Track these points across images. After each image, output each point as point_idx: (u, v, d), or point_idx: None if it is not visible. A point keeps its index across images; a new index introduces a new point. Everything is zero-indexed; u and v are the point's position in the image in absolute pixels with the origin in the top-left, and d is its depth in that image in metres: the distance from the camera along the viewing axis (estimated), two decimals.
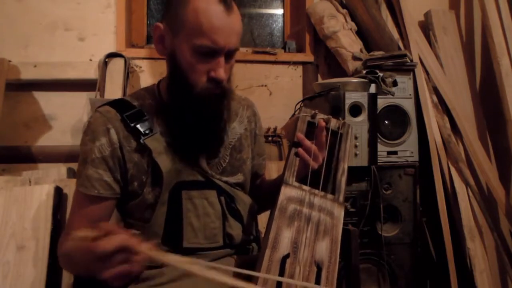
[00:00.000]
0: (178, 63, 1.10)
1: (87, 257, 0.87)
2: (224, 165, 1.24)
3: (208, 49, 1.05)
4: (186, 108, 1.12)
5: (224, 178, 1.23)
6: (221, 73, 1.08)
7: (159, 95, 1.23)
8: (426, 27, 2.65)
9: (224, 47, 1.06)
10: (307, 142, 1.15)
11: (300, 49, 2.72)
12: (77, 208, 1.16)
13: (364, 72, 2.21)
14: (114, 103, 1.20)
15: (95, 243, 0.81)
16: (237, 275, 0.84)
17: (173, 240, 1.15)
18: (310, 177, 1.13)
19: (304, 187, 1.11)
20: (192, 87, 1.10)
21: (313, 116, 1.19)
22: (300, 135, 1.15)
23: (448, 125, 2.43)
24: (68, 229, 1.15)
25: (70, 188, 1.98)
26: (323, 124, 1.15)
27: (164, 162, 1.14)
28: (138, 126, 1.14)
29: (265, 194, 1.33)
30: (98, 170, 1.13)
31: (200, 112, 1.12)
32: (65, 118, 2.37)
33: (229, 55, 1.10)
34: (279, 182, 1.13)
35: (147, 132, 1.15)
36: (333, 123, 1.21)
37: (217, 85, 1.10)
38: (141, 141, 1.13)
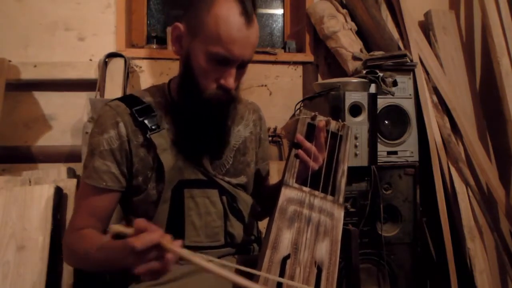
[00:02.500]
0: (191, 66, 1.11)
1: (118, 253, 0.91)
2: (227, 167, 1.25)
3: (222, 58, 1.06)
4: (194, 110, 1.13)
5: (227, 179, 1.24)
6: (231, 82, 1.09)
7: (169, 93, 1.24)
8: (426, 27, 2.65)
9: (238, 58, 1.07)
10: (307, 144, 1.15)
11: (300, 49, 2.72)
12: (83, 200, 1.17)
13: (364, 72, 2.22)
14: (124, 98, 1.22)
15: (132, 240, 0.83)
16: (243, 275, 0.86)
17: (174, 239, 1.16)
18: (310, 179, 1.13)
19: (304, 188, 1.11)
20: (201, 91, 1.11)
21: (313, 118, 1.20)
22: (300, 137, 1.16)
23: (448, 125, 2.43)
24: (74, 222, 1.16)
25: (70, 188, 1.98)
26: (323, 124, 1.16)
27: (168, 159, 1.15)
28: (145, 121, 1.16)
29: (268, 199, 1.33)
30: (106, 162, 1.14)
31: (207, 116, 1.13)
32: (65, 118, 2.37)
33: (242, 65, 1.11)
34: (280, 184, 1.13)
35: (153, 127, 1.16)
36: (333, 125, 1.21)
37: (225, 93, 1.11)
38: (147, 136, 1.14)
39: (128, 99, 1.21)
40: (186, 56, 1.13)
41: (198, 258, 0.84)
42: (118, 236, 0.88)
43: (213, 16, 1.05)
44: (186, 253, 0.85)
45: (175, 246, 0.85)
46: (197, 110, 1.13)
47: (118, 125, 1.15)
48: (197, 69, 1.10)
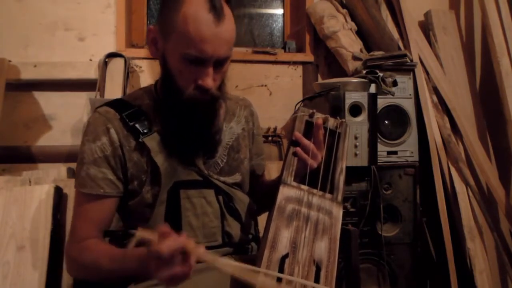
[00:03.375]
0: (168, 68, 1.11)
1: (139, 261, 0.93)
2: (221, 165, 1.24)
3: (195, 58, 1.04)
4: (176, 111, 1.13)
5: (222, 178, 1.23)
6: (208, 82, 1.07)
7: (156, 95, 1.23)
8: (426, 27, 2.65)
9: (211, 57, 1.05)
10: (305, 141, 1.14)
11: (300, 49, 2.72)
12: (81, 210, 1.16)
13: (364, 72, 2.21)
14: (112, 103, 1.21)
15: (158, 245, 0.83)
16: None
17: None
18: (308, 177, 1.13)
19: (303, 186, 1.11)
20: (180, 93, 1.10)
21: (311, 116, 1.19)
22: (298, 134, 1.15)
23: (448, 125, 2.43)
24: (75, 234, 1.15)
25: (70, 188, 1.98)
26: (321, 121, 1.15)
27: (162, 161, 1.14)
28: (137, 125, 1.15)
29: (265, 195, 1.33)
30: (102, 169, 1.13)
31: (189, 117, 1.13)
32: (65, 118, 2.37)
33: (219, 63, 1.09)
34: (278, 182, 1.13)
35: (145, 131, 1.15)
36: (331, 122, 1.21)
37: (204, 93, 1.09)
38: (140, 140, 1.14)
39: (117, 104, 1.20)
40: (162, 58, 1.13)
41: (222, 261, 0.85)
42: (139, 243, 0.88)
43: (182, 16, 1.03)
44: (210, 257, 0.85)
45: (199, 251, 0.85)
46: (179, 112, 1.12)
47: (109, 132, 1.14)
48: (173, 71, 1.10)
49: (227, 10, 1.07)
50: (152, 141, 1.15)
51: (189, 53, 1.04)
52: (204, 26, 1.02)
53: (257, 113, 1.44)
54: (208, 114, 1.15)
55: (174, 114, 1.14)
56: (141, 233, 0.85)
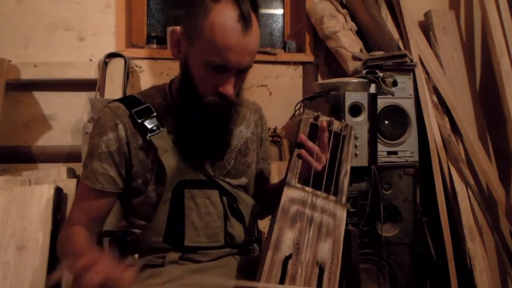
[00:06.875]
0: (189, 71, 1.10)
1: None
2: (228, 168, 1.24)
3: (219, 66, 1.04)
4: (193, 114, 1.13)
5: (228, 180, 1.23)
6: (229, 90, 1.08)
7: (170, 95, 1.23)
8: (426, 27, 2.65)
9: (235, 66, 1.05)
10: (310, 143, 1.14)
11: (300, 49, 2.73)
12: (80, 199, 1.18)
13: (364, 72, 2.22)
14: (124, 100, 1.21)
15: (80, 279, 0.80)
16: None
17: (174, 239, 1.16)
18: (312, 179, 1.13)
19: (307, 188, 1.11)
20: (199, 97, 1.10)
21: (316, 118, 1.19)
22: (303, 136, 1.15)
23: (448, 125, 2.43)
24: (69, 220, 1.17)
25: (70, 188, 1.98)
26: (325, 124, 1.15)
27: (169, 160, 1.14)
28: (145, 122, 1.15)
29: (269, 199, 1.33)
30: (104, 165, 1.14)
31: (204, 120, 1.13)
32: (65, 118, 2.38)
33: (241, 71, 1.09)
34: (282, 184, 1.13)
35: (154, 128, 1.15)
36: (336, 125, 1.21)
37: (224, 100, 1.10)
38: (148, 137, 1.14)
39: (128, 101, 1.20)
40: (184, 61, 1.12)
41: None
42: None
43: (210, 23, 1.01)
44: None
45: (126, 280, 0.82)
46: (196, 115, 1.12)
47: (117, 128, 1.14)
48: (195, 75, 1.09)
49: (254, 20, 1.05)
50: (160, 140, 1.15)
51: (213, 61, 1.03)
52: (231, 36, 1.01)
53: (266, 117, 1.44)
54: (223, 118, 1.16)
55: (189, 116, 1.14)
56: (55, 277, 0.83)
